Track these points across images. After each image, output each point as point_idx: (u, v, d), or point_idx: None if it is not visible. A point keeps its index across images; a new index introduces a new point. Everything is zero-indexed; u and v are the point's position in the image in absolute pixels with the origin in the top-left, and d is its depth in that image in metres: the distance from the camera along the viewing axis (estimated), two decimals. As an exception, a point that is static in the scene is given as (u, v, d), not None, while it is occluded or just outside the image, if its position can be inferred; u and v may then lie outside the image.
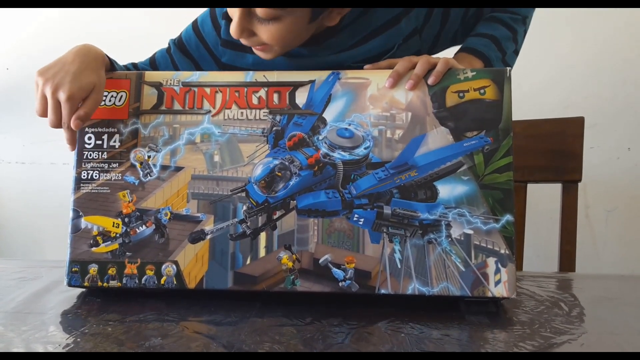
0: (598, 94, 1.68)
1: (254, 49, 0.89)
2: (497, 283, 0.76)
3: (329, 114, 0.80)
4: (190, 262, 0.78)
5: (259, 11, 0.79)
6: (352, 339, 0.66)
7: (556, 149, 1.18)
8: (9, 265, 1.03)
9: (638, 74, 1.66)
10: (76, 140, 0.81)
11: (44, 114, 0.78)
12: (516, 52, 1.00)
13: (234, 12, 0.82)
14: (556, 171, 1.18)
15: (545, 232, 1.34)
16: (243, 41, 0.86)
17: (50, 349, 0.63)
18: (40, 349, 0.63)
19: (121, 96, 0.82)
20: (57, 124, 0.78)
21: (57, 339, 0.66)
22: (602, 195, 1.66)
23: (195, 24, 1.01)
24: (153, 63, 1.02)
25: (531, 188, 1.22)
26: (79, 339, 0.66)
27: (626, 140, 1.69)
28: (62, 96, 0.76)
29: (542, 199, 1.33)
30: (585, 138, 1.17)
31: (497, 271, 0.76)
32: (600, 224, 1.67)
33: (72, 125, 0.76)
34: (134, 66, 1.00)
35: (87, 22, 1.84)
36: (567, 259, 1.13)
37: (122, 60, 0.98)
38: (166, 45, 1.04)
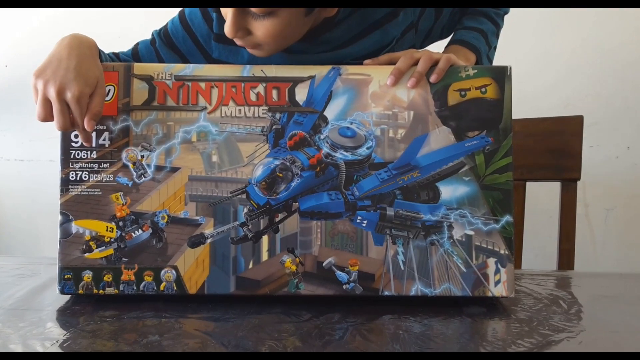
0: (598, 94, 1.69)
1: (247, 49, 0.85)
2: (496, 283, 0.77)
3: (330, 112, 0.78)
4: (191, 267, 0.76)
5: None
6: (350, 336, 0.67)
7: (555, 148, 1.19)
8: (7, 262, 1.02)
9: (638, 74, 1.68)
10: (91, 137, 0.76)
11: (48, 118, 0.72)
12: (495, 48, 1.01)
13: (228, 11, 0.78)
14: (555, 170, 1.19)
15: (544, 230, 1.37)
16: (237, 41, 0.82)
17: (48, 345, 0.63)
18: (37, 345, 0.63)
19: (109, 90, 0.77)
20: (69, 126, 0.71)
21: (54, 335, 0.66)
22: (601, 194, 1.69)
23: (182, 16, 0.94)
24: (136, 55, 0.95)
25: (530, 186, 1.23)
26: (76, 336, 0.66)
27: (625, 139, 1.70)
28: (69, 97, 0.70)
29: (541, 198, 1.35)
30: (584, 137, 1.18)
31: (497, 271, 0.77)
32: (599, 223, 1.70)
33: (86, 127, 0.71)
34: (116, 56, 0.93)
35: (87, 19, 1.79)
36: (566, 257, 1.16)
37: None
38: (149, 37, 0.96)
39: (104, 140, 0.77)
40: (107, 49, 0.88)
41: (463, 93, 0.79)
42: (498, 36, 1.01)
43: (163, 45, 0.94)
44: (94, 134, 0.76)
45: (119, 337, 0.65)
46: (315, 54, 0.91)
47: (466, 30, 0.96)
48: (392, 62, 0.81)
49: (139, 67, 0.78)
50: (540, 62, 1.65)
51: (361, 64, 0.83)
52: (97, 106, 0.72)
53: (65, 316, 0.73)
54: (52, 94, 0.70)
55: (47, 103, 0.71)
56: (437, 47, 0.98)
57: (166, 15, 0.95)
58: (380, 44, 0.92)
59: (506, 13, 1.03)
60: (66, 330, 0.67)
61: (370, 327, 0.70)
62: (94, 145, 0.77)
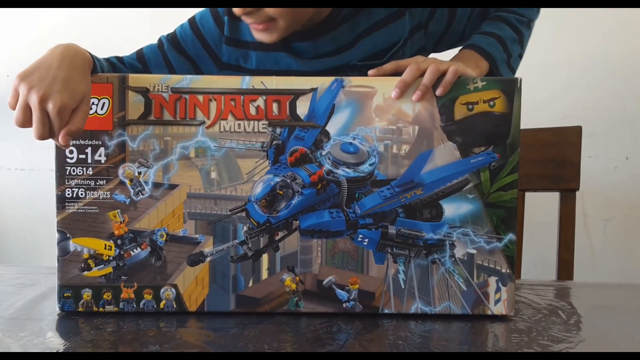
0: (596, 104, 1.66)
1: (256, 35, 0.84)
2: (497, 302, 0.77)
3: (332, 127, 0.75)
4: (190, 285, 0.76)
5: None
6: (349, 345, 0.67)
7: (554, 158, 1.17)
8: (7, 271, 1.02)
9: (636, 84, 1.65)
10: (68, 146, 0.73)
11: (26, 124, 0.68)
12: (520, 56, 0.96)
13: None
14: (554, 180, 1.17)
15: (543, 240, 1.36)
16: (247, 18, 0.80)
17: (48, 355, 0.64)
18: (38, 355, 0.64)
19: (103, 103, 0.74)
20: (46, 136, 0.68)
21: (54, 345, 0.67)
22: (600, 204, 1.68)
23: (192, 21, 0.93)
24: (141, 58, 0.92)
25: (529, 197, 1.22)
26: (76, 345, 0.67)
27: (624, 149, 1.68)
28: (51, 108, 0.67)
29: (540, 208, 1.34)
30: (583, 147, 1.17)
31: (498, 290, 0.77)
32: (598, 233, 1.70)
33: (60, 141, 0.68)
34: (119, 60, 0.91)
35: (88, 31, 1.77)
36: (565, 267, 1.16)
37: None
38: (156, 42, 0.94)
39: (100, 156, 0.74)
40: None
41: (470, 107, 0.76)
42: (522, 44, 0.94)
43: (171, 48, 0.93)
44: (89, 150, 0.74)
45: (119, 346, 0.66)
46: (321, 57, 0.89)
47: (482, 35, 0.91)
48: (397, 71, 0.78)
49: (134, 79, 0.75)
50: (538, 73, 1.60)
51: (368, 68, 0.80)
52: (78, 122, 0.68)
53: (65, 326, 0.73)
54: (33, 102, 0.67)
55: (27, 109, 0.68)
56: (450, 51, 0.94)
57: (171, 27, 0.94)
58: (387, 43, 0.90)
59: (532, 19, 0.96)
60: (66, 340, 0.68)
61: (371, 337, 0.71)
62: (89, 161, 0.75)
